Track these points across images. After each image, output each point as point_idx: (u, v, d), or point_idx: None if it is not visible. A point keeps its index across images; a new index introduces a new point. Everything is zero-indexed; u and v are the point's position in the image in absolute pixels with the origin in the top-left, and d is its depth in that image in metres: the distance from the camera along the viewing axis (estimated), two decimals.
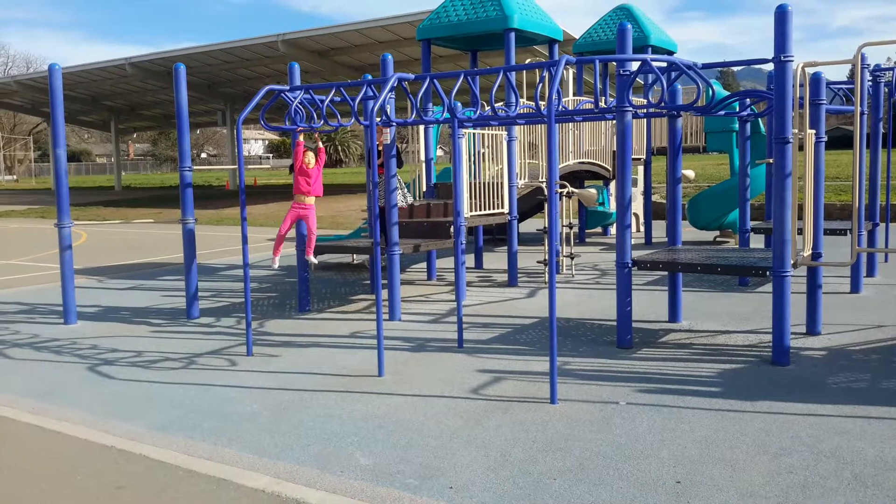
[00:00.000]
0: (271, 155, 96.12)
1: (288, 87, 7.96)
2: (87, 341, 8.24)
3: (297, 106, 7.90)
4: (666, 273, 9.25)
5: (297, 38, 29.16)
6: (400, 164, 9.93)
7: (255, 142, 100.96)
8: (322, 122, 8.10)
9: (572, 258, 11.86)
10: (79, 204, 32.32)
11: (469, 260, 12.96)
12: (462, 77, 7.06)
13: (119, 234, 21.73)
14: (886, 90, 11.02)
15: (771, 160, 8.03)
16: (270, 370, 6.86)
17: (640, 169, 16.41)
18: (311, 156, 8.48)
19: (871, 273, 10.77)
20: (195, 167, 9.78)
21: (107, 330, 8.80)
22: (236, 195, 33.16)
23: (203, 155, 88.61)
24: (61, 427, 5.54)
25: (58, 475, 4.72)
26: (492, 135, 11.36)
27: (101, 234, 21.98)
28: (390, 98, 8.67)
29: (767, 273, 6.73)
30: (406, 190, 10.56)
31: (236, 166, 8.59)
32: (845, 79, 11.28)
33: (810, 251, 7.40)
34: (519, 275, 11.41)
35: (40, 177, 73.07)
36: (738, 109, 9.30)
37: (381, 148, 9.37)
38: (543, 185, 12.44)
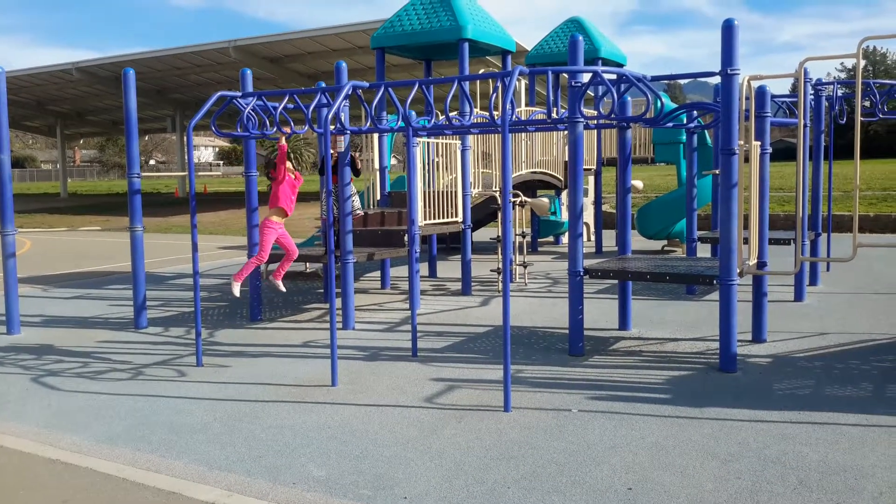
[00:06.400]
0: (222, 162, 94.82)
1: (240, 94, 7.88)
2: (31, 352, 8.03)
3: (249, 112, 7.81)
4: (616, 281, 9.37)
5: (249, 44, 28.91)
6: (357, 174, 9.88)
7: (206, 149, 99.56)
8: (275, 129, 8.03)
9: (525, 267, 11.95)
10: (23, 211, 31.45)
11: (423, 268, 12.96)
12: (417, 86, 7.06)
13: (65, 242, 21.22)
14: (827, 104, 11.36)
15: (717, 171, 8.21)
16: (221, 381, 6.77)
17: (591, 179, 16.61)
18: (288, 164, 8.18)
19: (813, 282, 11.06)
20: (144, 174, 9.58)
21: (52, 340, 8.59)
22: (185, 203, 32.68)
23: (151, 162, 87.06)
24: (4, 440, 5.39)
25: (0, 490, 4.59)
26: (446, 144, 11.40)
27: (46, 241, 21.45)
28: (345, 106, 8.63)
29: (714, 282, 6.86)
30: (358, 200, 10.52)
31: (186, 173, 8.43)
32: (788, 92, 11.58)
33: (755, 260, 7.57)
34: (473, 283, 11.46)
35: None
36: (685, 121, 9.49)
37: (335, 156, 9.33)
38: (497, 195, 12.52)
